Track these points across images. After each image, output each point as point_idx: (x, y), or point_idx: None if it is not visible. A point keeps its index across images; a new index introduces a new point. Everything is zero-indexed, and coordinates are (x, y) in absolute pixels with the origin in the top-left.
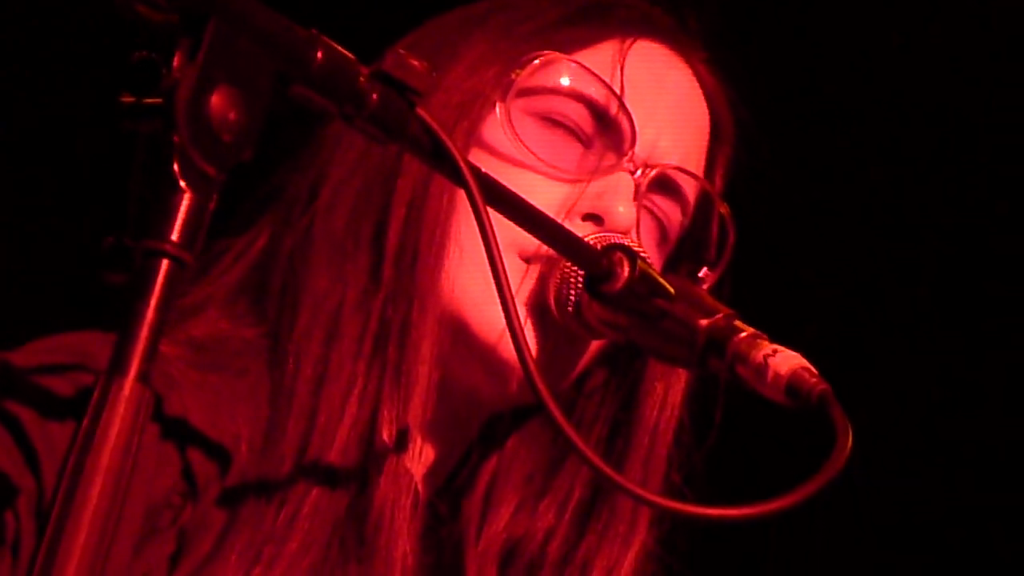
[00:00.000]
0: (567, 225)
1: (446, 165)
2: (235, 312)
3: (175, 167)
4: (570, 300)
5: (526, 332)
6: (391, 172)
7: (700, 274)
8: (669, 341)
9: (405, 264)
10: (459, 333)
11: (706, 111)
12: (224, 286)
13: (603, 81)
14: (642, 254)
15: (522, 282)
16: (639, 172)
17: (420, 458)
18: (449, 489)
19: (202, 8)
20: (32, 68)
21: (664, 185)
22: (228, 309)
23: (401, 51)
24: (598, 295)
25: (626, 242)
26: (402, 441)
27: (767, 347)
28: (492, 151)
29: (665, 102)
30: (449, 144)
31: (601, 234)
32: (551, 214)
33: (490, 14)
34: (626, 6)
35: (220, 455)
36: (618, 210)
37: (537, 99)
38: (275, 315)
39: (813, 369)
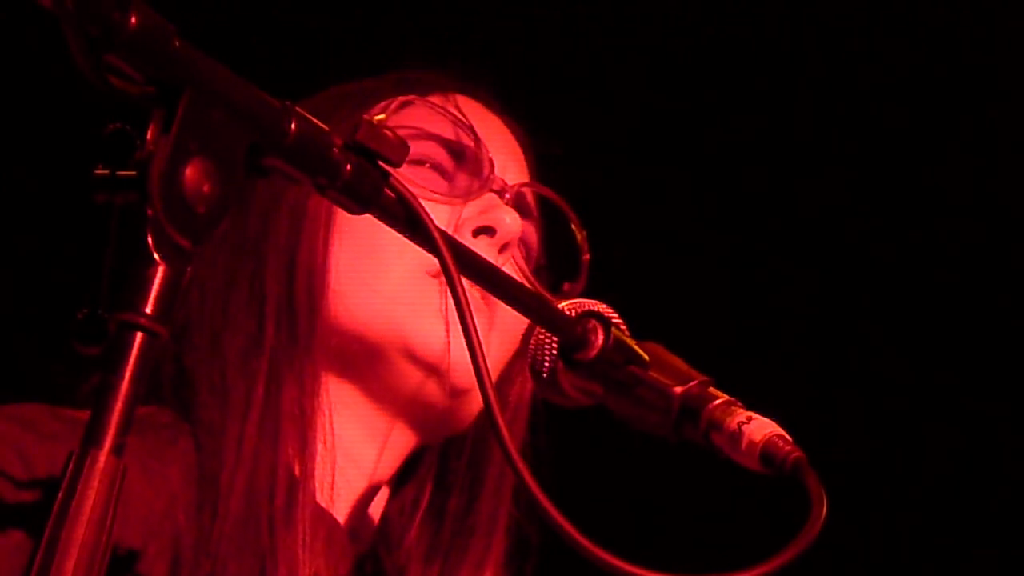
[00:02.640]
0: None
1: (419, 234)
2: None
3: (149, 240)
4: (545, 366)
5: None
6: (260, 232)
7: (564, 288)
8: (644, 408)
9: (284, 311)
10: (374, 360)
11: (521, 150)
12: None
13: (454, 115)
14: (616, 320)
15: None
16: (504, 193)
17: (342, 508)
18: (381, 538)
19: (176, 80)
20: (5, 140)
21: (521, 205)
22: None
23: (375, 121)
24: (572, 363)
25: (599, 309)
26: (314, 502)
27: (741, 414)
28: None
29: (497, 137)
30: (423, 213)
31: (570, 302)
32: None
33: (333, 95)
34: (440, 75)
35: (155, 522)
36: (505, 220)
37: None
38: (175, 400)
39: (787, 436)
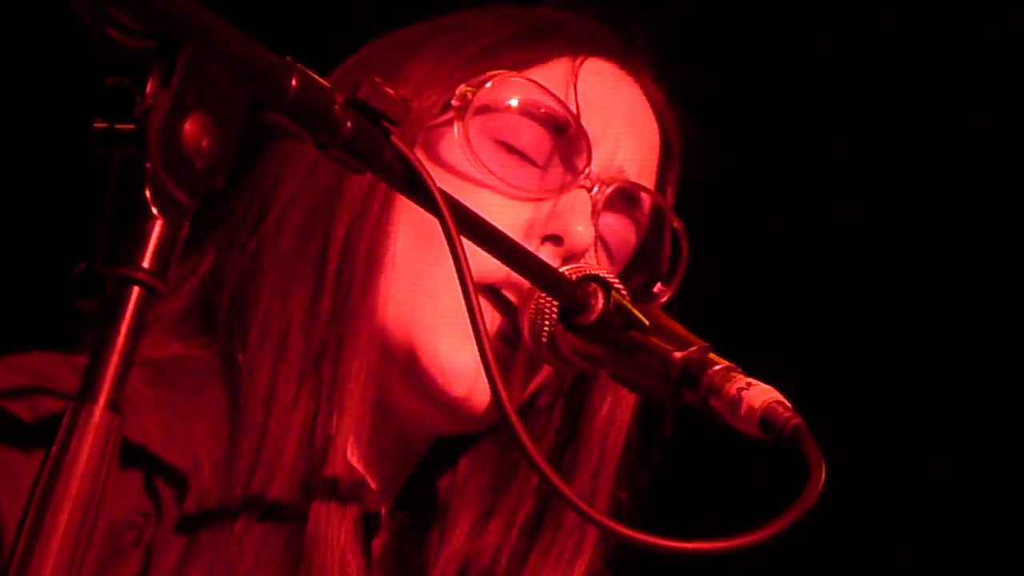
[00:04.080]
0: (527, 247)
1: (421, 194)
2: (184, 334)
3: (147, 193)
4: (544, 331)
5: (494, 363)
6: (334, 192)
7: (654, 289)
8: (643, 373)
9: (343, 285)
10: (402, 357)
11: (656, 128)
12: (171, 309)
13: (559, 99)
14: (616, 285)
15: (493, 312)
16: (596, 189)
17: (371, 476)
18: (407, 506)
19: (176, 34)
20: (3, 92)
21: (619, 201)
22: (177, 331)
23: (376, 79)
24: (572, 326)
25: (601, 273)
26: (345, 460)
27: (741, 380)
28: (450, 170)
29: (618, 119)
30: (424, 173)
31: (572, 266)
32: (511, 235)
33: (436, 34)
34: (574, 25)
35: (178, 478)
36: (576, 229)
37: (493, 118)
38: (225, 336)
39: (787, 403)
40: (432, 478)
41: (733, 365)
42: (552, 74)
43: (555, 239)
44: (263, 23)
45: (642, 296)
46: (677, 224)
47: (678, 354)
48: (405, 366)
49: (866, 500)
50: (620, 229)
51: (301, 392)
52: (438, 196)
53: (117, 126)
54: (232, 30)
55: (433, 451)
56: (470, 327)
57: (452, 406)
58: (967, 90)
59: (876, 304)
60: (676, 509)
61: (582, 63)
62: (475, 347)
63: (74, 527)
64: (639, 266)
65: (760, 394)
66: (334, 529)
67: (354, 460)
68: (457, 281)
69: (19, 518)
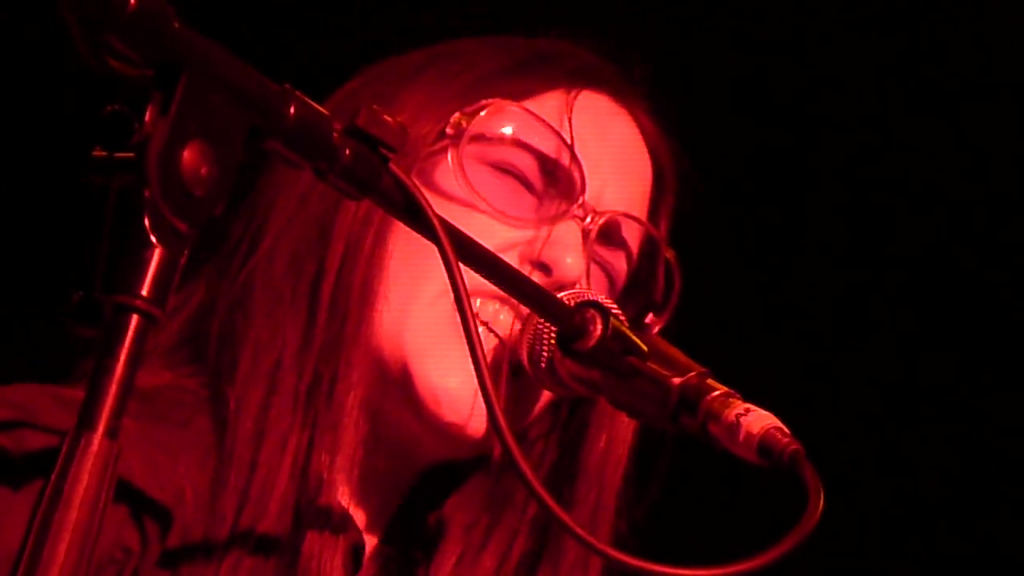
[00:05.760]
0: (524, 273)
1: (419, 221)
2: (175, 363)
3: (146, 222)
4: (543, 357)
5: (491, 388)
6: (327, 222)
7: (647, 320)
8: (642, 399)
9: (337, 315)
10: (397, 384)
11: (648, 160)
12: (163, 338)
13: (554, 129)
14: (615, 311)
15: (487, 337)
16: (588, 219)
17: (361, 509)
18: (396, 540)
19: (175, 62)
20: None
21: (611, 232)
22: (168, 360)
23: (375, 107)
24: (571, 352)
25: (599, 299)
26: (336, 495)
27: (739, 406)
28: (445, 196)
29: (610, 151)
30: (423, 200)
31: (570, 292)
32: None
33: (431, 62)
34: (570, 57)
35: (162, 513)
36: (566, 261)
37: (487, 146)
38: (215, 367)
39: (785, 429)
40: (421, 512)
41: (732, 391)
42: (547, 105)
43: (544, 268)
44: (259, 49)
45: (634, 326)
46: (669, 255)
47: (676, 380)
48: (401, 393)
49: (860, 509)
50: (612, 260)
51: (293, 426)
52: (437, 224)
53: (116, 154)
54: (231, 58)
55: (423, 485)
56: (467, 351)
57: (447, 431)
58: (967, 90)
59: (874, 308)
60: (676, 536)
61: (576, 95)
62: (466, 370)
63: (73, 556)
64: (632, 296)
65: (758, 420)
66: (326, 566)
67: (344, 494)
68: (455, 307)
69: (3, 551)
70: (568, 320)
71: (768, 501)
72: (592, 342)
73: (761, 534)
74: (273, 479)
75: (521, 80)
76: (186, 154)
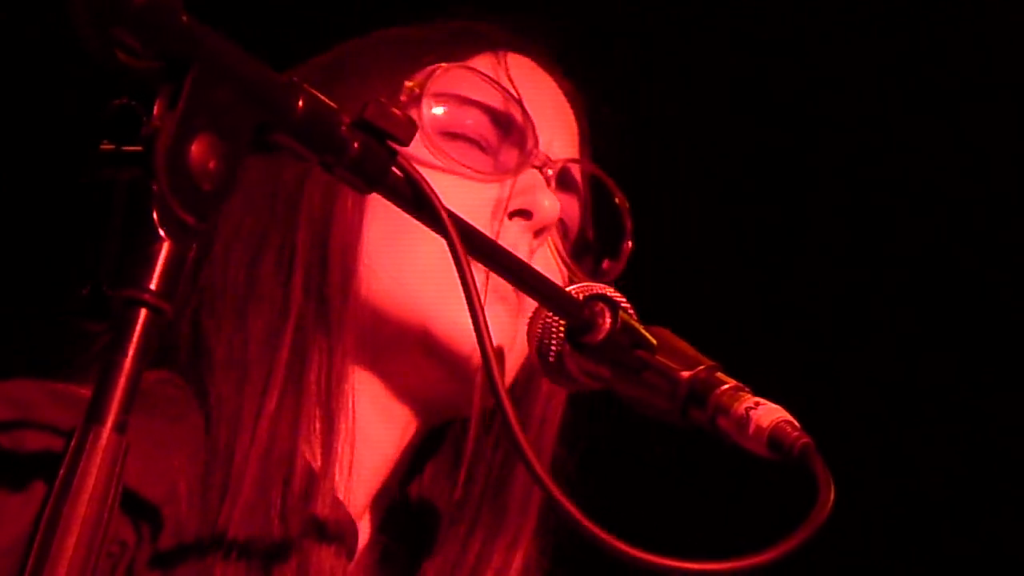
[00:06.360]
0: (497, 225)
1: (426, 213)
2: (157, 362)
3: (154, 216)
4: (551, 351)
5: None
6: (292, 201)
7: (603, 266)
8: (650, 392)
9: (312, 295)
10: (407, 340)
11: (573, 114)
12: None
13: (500, 85)
14: (624, 304)
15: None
16: (546, 168)
17: (352, 497)
18: (389, 526)
19: (183, 56)
20: (9, 114)
21: (565, 181)
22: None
23: (382, 100)
24: (579, 346)
25: (608, 292)
26: (331, 487)
27: (749, 399)
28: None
29: (548, 105)
30: (431, 193)
31: (578, 286)
32: (480, 215)
33: (370, 47)
34: (493, 28)
35: (154, 511)
36: (544, 203)
37: (440, 107)
38: (190, 367)
39: (795, 422)
40: (411, 499)
41: (741, 384)
42: (481, 66)
43: (524, 214)
44: (264, 43)
45: (592, 274)
46: (620, 199)
47: (686, 373)
48: (412, 345)
49: (861, 509)
50: (567, 207)
51: (282, 419)
52: (445, 217)
53: (124, 148)
54: (239, 51)
55: (411, 468)
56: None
57: (465, 366)
58: (967, 90)
59: (874, 308)
60: (684, 530)
61: (505, 57)
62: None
63: (82, 551)
64: (587, 244)
65: (768, 413)
66: (317, 556)
67: (336, 482)
68: (464, 299)
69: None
70: (577, 313)
71: (774, 496)
72: (601, 335)
73: (767, 529)
74: (246, 468)
75: (454, 48)
76: (194, 148)
